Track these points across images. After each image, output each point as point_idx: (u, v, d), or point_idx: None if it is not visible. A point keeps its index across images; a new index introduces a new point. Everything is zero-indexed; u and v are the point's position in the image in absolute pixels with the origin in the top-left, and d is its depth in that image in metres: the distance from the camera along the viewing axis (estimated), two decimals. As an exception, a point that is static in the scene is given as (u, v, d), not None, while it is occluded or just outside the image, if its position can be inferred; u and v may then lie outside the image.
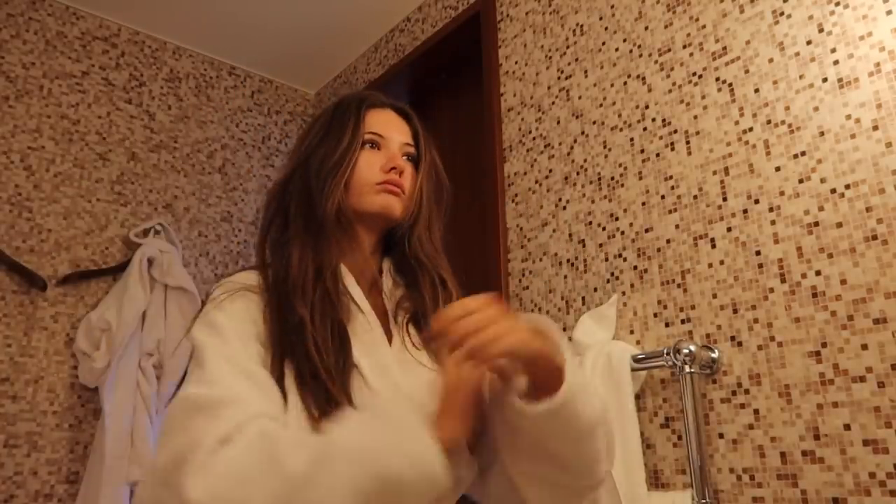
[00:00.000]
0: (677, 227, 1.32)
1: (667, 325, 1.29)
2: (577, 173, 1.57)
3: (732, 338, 1.19)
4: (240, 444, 0.63)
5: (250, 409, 0.68)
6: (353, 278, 0.90)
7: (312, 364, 0.77)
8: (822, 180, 1.12)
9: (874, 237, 1.04)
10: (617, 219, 1.45)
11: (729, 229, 1.23)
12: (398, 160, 0.93)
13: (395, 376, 0.82)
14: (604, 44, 1.58)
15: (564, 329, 1.50)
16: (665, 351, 1.19)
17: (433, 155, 1.00)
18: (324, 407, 0.75)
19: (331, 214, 0.88)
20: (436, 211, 0.99)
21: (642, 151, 1.43)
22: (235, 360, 0.74)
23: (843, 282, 1.06)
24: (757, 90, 1.25)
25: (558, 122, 1.65)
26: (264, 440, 0.64)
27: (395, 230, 0.96)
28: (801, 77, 1.19)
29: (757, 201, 1.20)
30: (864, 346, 1.02)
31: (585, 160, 1.55)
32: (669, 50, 1.42)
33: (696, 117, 1.34)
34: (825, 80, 1.16)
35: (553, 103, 1.68)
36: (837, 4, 1.17)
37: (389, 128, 0.97)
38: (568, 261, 1.53)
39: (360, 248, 0.93)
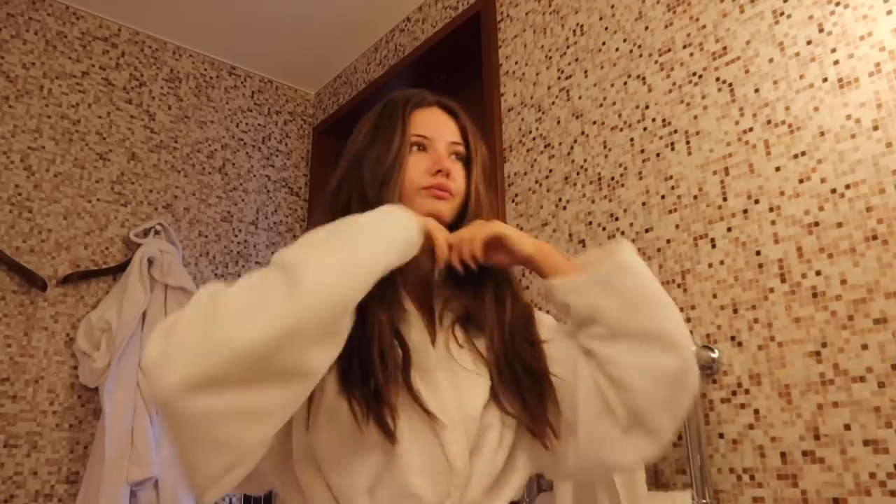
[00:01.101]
0: (677, 227, 1.32)
1: (667, 325, 1.29)
2: (578, 173, 1.57)
3: (732, 338, 1.19)
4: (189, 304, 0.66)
5: None
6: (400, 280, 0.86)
7: (369, 366, 0.76)
8: (823, 180, 1.12)
9: (874, 237, 1.04)
10: (617, 219, 1.45)
11: (729, 229, 1.23)
12: (444, 162, 0.90)
13: (435, 377, 0.82)
14: (604, 44, 1.58)
15: (564, 329, 1.50)
16: (665, 351, 1.19)
17: (484, 151, 0.98)
18: (372, 407, 0.75)
19: None
20: (489, 206, 0.97)
21: (642, 151, 1.43)
22: None
23: (844, 282, 1.06)
24: (757, 90, 1.25)
25: (558, 122, 1.65)
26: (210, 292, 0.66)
27: (455, 228, 0.92)
28: (801, 77, 1.19)
29: (757, 201, 1.20)
30: (865, 346, 1.02)
31: (585, 160, 1.55)
32: (669, 50, 1.42)
33: (696, 117, 1.34)
34: (825, 80, 1.16)
35: (553, 103, 1.68)
36: (837, 4, 1.17)
37: (436, 127, 0.94)
38: (568, 261, 1.53)
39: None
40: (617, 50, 1.54)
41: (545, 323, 0.96)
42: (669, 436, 0.84)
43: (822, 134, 1.14)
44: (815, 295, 1.10)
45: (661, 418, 0.82)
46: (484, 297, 0.91)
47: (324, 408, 0.76)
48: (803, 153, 1.16)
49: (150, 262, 2.06)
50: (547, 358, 0.89)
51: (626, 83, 1.50)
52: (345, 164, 0.94)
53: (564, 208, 1.58)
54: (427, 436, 0.79)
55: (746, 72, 1.27)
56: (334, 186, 0.93)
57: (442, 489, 0.78)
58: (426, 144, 0.92)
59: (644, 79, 1.46)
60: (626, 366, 0.82)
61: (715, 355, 1.19)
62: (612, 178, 1.48)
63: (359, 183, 0.89)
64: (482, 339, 0.89)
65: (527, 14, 1.83)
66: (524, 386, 0.85)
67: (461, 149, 0.95)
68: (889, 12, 1.10)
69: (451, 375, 0.84)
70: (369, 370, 0.76)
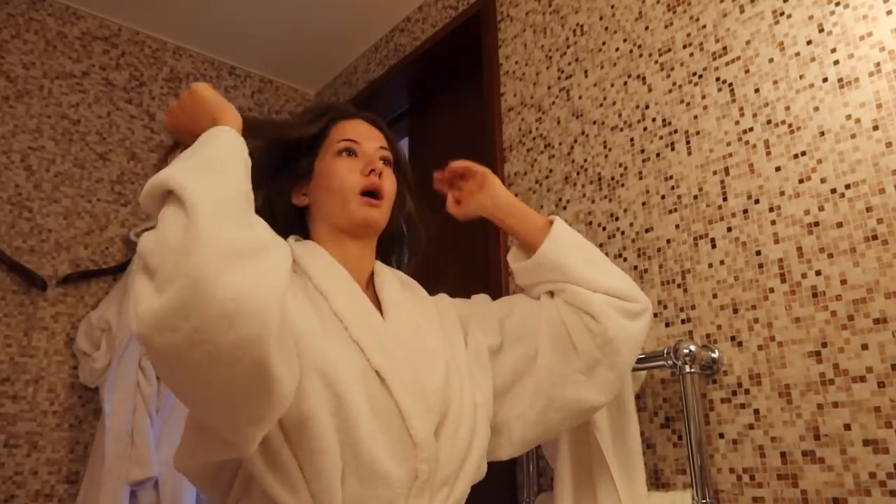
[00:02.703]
0: (677, 227, 1.32)
1: (667, 325, 1.29)
2: (578, 173, 1.57)
3: (732, 338, 1.19)
4: None
5: None
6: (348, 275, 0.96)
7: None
8: (823, 180, 1.12)
9: (874, 237, 1.04)
10: (617, 219, 1.45)
11: (729, 229, 1.23)
12: (376, 163, 0.99)
13: (380, 326, 0.91)
14: (604, 44, 1.58)
15: (564, 329, 1.50)
16: (665, 351, 1.19)
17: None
18: None
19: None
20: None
21: (642, 151, 1.43)
22: None
23: (844, 282, 1.06)
24: (757, 90, 1.25)
25: (558, 122, 1.65)
26: None
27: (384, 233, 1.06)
28: (801, 77, 1.19)
29: (757, 201, 1.20)
30: (865, 346, 1.02)
31: (585, 160, 1.55)
32: (669, 50, 1.42)
33: (696, 117, 1.34)
34: (825, 80, 1.16)
35: (553, 103, 1.68)
36: (837, 4, 1.17)
37: (363, 132, 1.02)
38: (568, 261, 1.53)
39: (351, 251, 1.00)
40: (617, 50, 1.54)
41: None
42: (629, 368, 1.00)
43: (822, 134, 1.14)
44: (815, 295, 1.10)
45: (630, 355, 0.96)
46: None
47: None
48: (803, 153, 1.16)
49: (151, 262, 2.05)
50: (509, 306, 1.06)
51: (626, 83, 1.50)
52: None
53: (564, 208, 1.58)
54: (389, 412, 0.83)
55: (746, 72, 1.27)
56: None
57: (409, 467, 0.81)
58: (355, 149, 1.00)
59: (644, 79, 1.46)
60: (601, 307, 0.95)
61: (715, 355, 1.19)
62: (612, 178, 1.48)
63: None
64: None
65: (527, 14, 1.83)
66: None
67: (388, 154, 1.03)
68: (889, 12, 1.10)
69: (400, 323, 0.94)
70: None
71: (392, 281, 1.01)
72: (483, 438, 0.92)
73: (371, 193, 0.97)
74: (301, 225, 1.04)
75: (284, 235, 0.91)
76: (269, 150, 1.01)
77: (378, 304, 0.96)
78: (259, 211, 0.77)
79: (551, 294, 1.02)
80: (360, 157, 1.00)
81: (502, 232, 1.72)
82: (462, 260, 1.97)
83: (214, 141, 0.77)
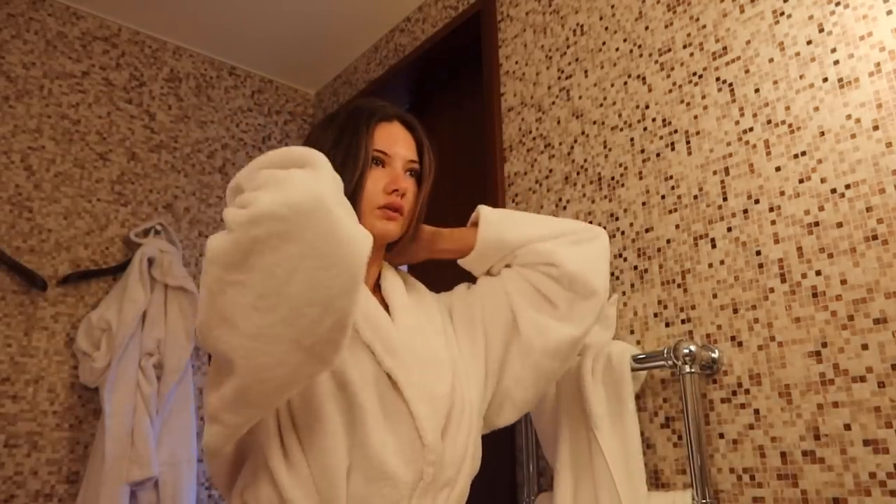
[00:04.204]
0: (677, 227, 1.32)
1: (667, 325, 1.29)
2: (578, 173, 1.57)
3: (733, 338, 1.19)
4: None
5: None
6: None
7: None
8: (823, 180, 1.12)
9: (874, 237, 1.04)
10: (617, 219, 1.45)
11: (729, 229, 1.23)
12: (401, 182, 0.97)
13: (390, 329, 0.92)
14: (604, 44, 1.58)
15: (564, 329, 1.50)
16: (665, 351, 1.19)
17: (434, 166, 1.06)
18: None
19: None
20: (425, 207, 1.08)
21: (642, 151, 1.43)
22: None
23: (844, 282, 1.06)
24: (757, 90, 1.25)
25: (558, 122, 1.65)
26: None
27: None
28: (801, 77, 1.19)
29: (757, 201, 1.20)
30: (865, 346, 1.02)
31: (586, 160, 1.55)
32: (670, 50, 1.42)
33: (696, 117, 1.34)
34: (825, 79, 1.16)
35: (553, 103, 1.68)
36: (837, 4, 1.17)
37: (396, 143, 1.00)
38: (568, 261, 1.53)
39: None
40: (617, 50, 1.54)
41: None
42: (606, 291, 1.04)
43: (822, 134, 1.14)
44: (815, 295, 1.09)
45: (596, 275, 1.02)
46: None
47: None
48: (803, 153, 1.16)
49: (151, 262, 2.06)
50: (480, 296, 1.08)
51: (626, 83, 1.50)
52: None
53: (564, 208, 1.58)
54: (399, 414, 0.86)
55: (746, 72, 1.27)
56: None
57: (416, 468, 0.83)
58: (385, 161, 0.99)
59: (644, 79, 1.46)
60: (550, 249, 1.02)
61: (715, 355, 1.19)
62: (612, 178, 1.48)
63: None
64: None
65: (527, 14, 1.83)
66: None
67: (416, 166, 1.02)
68: (889, 12, 1.10)
69: (407, 326, 0.95)
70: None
71: (398, 284, 1.03)
72: (477, 434, 0.97)
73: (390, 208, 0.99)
74: None
75: None
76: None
77: (385, 306, 0.99)
78: None
79: (508, 266, 1.09)
80: (386, 170, 0.99)
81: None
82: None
83: None
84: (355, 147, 0.96)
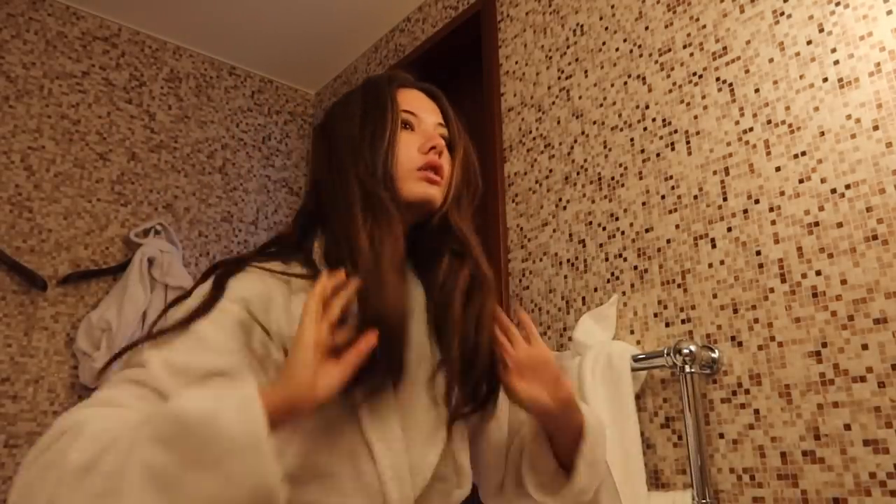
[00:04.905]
0: (677, 227, 1.32)
1: (667, 325, 1.29)
2: (578, 173, 1.57)
3: (733, 338, 1.19)
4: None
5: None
6: None
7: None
8: (823, 180, 1.12)
9: (874, 237, 1.04)
10: (617, 219, 1.45)
11: (729, 229, 1.23)
12: (436, 139, 0.87)
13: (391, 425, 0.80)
14: (604, 44, 1.58)
15: (565, 329, 1.50)
16: (665, 351, 1.19)
17: (466, 137, 0.95)
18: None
19: (398, 200, 0.83)
20: (467, 196, 0.92)
21: (642, 151, 1.43)
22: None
23: (844, 282, 1.06)
24: (757, 90, 1.25)
25: (558, 122, 1.65)
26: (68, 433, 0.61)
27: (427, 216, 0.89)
28: (801, 77, 1.19)
29: (757, 201, 1.20)
30: (865, 346, 1.02)
31: (586, 160, 1.55)
32: (670, 50, 1.42)
33: (696, 117, 1.34)
34: (825, 79, 1.16)
35: (553, 103, 1.68)
36: (838, 4, 1.17)
37: (421, 107, 0.91)
38: (568, 261, 1.53)
39: (399, 237, 0.85)
40: (617, 50, 1.54)
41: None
42: None
43: (822, 134, 1.14)
44: (815, 295, 1.09)
45: None
46: (455, 282, 0.87)
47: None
48: (803, 153, 1.16)
49: (151, 262, 2.06)
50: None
51: (626, 83, 1.50)
52: (334, 145, 0.89)
53: (564, 208, 1.58)
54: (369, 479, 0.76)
55: (746, 72, 1.27)
56: (327, 167, 0.88)
57: None
58: (413, 123, 0.89)
59: (644, 79, 1.46)
60: None
61: (715, 355, 1.19)
62: (612, 178, 1.48)
63: (360, 163, 0.84)
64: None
65: (527, 14, 1.83)
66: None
67: (445, 131, 0.92)
68: (889, 12, 1.10)
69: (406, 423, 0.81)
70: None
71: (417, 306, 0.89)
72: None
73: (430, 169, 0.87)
74: None
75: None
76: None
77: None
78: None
79: None
80: (417, 133, 0.89)
81: (503, 234, 1.72)
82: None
83: None
84: (381, 113, 0.86)
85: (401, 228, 0.81)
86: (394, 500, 0.75)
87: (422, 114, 0.90)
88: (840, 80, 1.14)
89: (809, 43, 1.19)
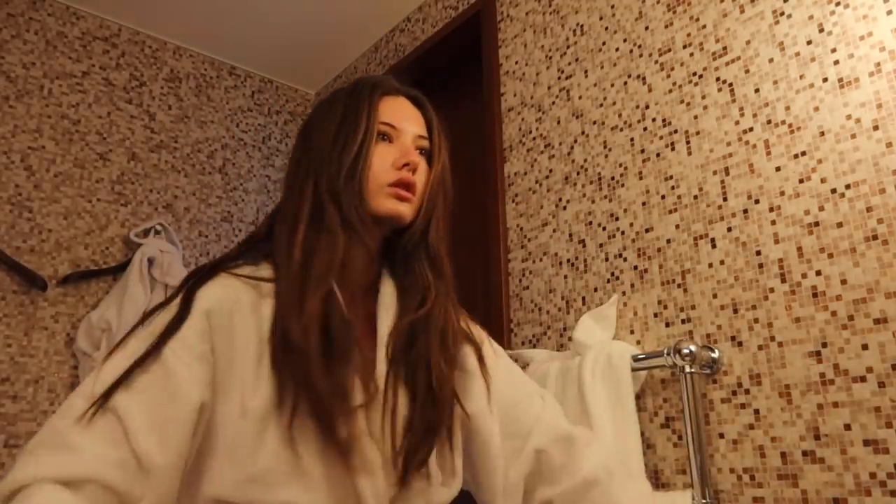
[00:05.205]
0: (677, 227, 1.32)
1: (667, 325, 1.29)
2: (578, 173, 1.57)
3: (733, 338, 1.19)
4: None
5: (78, 466, 0.66)
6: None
7: (314, 395, 0.74)
8: (823, 180, 1.12)
9: (874, 237, 1.04)
10: (617, 219, 1.45)
11: (729, 229, 1.23)
12: (411, 155, 0.87)
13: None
14: (604, 44, 1.58)
15: (565, 329, 1.50)
16: (665, 351, 1.19)
17: (446, 149, 0.94)
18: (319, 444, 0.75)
19: (352, 215, 0.83)
20: (443, 211, 0.92)
21: (642, 151, 1.43)
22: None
23: (844, 282, 1.06)
24: (757, 90, 1.25)
25: (558, 122, 1.65)
26: None
27: (402, 229, 0.90)
28: (801, 77, 1.19)
29: (757, 201, 1.20)
30: (865, 346, 1.02)
31: (586, 160, 1.55)
32: (670, 50, 1.42)
33: (696, 117, 1.34)
34: (825, 79, 1.16)
35: (553, 103, 1.68)
36: (838, 4, 1.17)
37: (403, 118, 0.90)
38: (568, 261, 1.53)
39: (367, 250, 0.88)
40: (617, 50, 1.54)
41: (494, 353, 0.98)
42: None
43: (822, 134, 1.14)
44: (815, 295, 1.09)
45: None
46: (420, 303, 0.87)
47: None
48: (803, 153, 1.16)
49: (151, 262, 2.06)
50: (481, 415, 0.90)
51: (626, 83, 1.50)
52: (308, 146, 0.89)
53: (564, 208, 1.58)
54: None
55: (746, 72, 1.27)
56: (295, 170, 0.89)
57: None
58: (393, 135, 0.89)
59: (644, 79, 1.46)
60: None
61: (715, 355, 1.19)
62: (612, 178, 1.48)
63: (324, 172, 0.85)
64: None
65: (527, 14, 1.83)
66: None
67: (426, 143, 0.92)
68: (889, 12, 1.10)
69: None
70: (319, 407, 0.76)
71: (388, 319, 0.89)
72: None
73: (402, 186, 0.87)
74: None
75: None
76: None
77: (373, 316, 0.89)
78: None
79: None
80: (395, 145, 0.89)
81: (502, 234, 1.72)
82: (460, 262, 1.96)
83: None
84: (357, 123, 0.86)
85: (344, 245, 0.82)
86: (367, 496, 0.75)
87: (402, 125, 0.90)
88: (840, 80, 1.14)
89: (809, 43, 1.19)
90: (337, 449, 0.75)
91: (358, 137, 0.85)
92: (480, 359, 0.92)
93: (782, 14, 1.24)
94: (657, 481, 1.24)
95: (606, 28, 1.58)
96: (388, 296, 0.89)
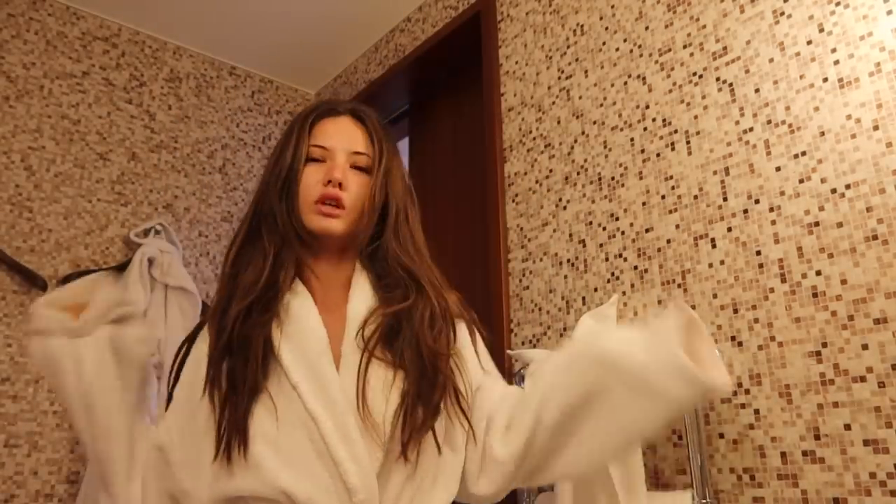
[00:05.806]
0: (677, 227, 1.32)
1: (667, 325, 1.29)
2: (578, 173, 1.57)
3: (733, 338, 1.19)
4: None
5: None
6: (308, 294, 0.91)
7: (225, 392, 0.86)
8: (823, 180, 1.12)
9: (874, 237, 1.04)
10: (617, 219, 1.45)
11: (729, 229, 1.23)
12: (335, 172, 0.92)
13: (334, 393, 0.83)
14: (604, 44, 1.58)
15: (565, 329, 1.50)
16: (665, 351, 1.19)
17: (390, 158, 0.97)
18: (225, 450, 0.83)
19: (289, 232, 0.92)
20: (404, 214, 0.96)
21: (642, 151, 1.43)
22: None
23: (844, 282, 1.06)
24: (757, 90, 1.25)
25: (558, 122, 1.65)
26: None
27: (371, 236, 0.96)
28: (801, 77, 1.19)
29: (757, 201, 1.20)
30: (865, 346, 1.02)
31: (586, 160, 1.55)
32: (670, 50, 1.42)
33: (696, 117, 1.34)
34: (825, 79, 1.16)
35: (553, 103, 1.68)
36: (838, 4, 1.17)
37: (337, 137, 0.95)
38: (568, 261, 1.53)
39: (324, 259, 0.95)
40: (617, 50, 1.54)
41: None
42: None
43: (822, 134, 1.14)
44: (815, 295, 1.10)
45: None
46: (398, 304, 0.92)
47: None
48: (803, 153, 1.16)
49: (151, 262, 2.06)
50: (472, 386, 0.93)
51: (626, 83, 1.50)
52: (264, 173, 0.99)
53: (564, 208, 1.58)
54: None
55: (747, 72, 1.27)
56: (256, 193, 0.99)
57: None
58: (323, 156, 0.94)
59: (644, 79, 1.46)
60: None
61: (715, 355, 1.19)
62: (613, 178, 1.48)
63: (264, 196, 0.95)
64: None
65: (527, 14, 1.83)
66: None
67: (364, 159, 0.96)
68: (889, 12, 1.10)
69: (352, 383, 0.85)
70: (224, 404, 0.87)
71: (367, 293, 0.93)
72: None
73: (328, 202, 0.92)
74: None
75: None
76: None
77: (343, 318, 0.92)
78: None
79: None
80: (325, 164, 0.94)
81: (503, 234, 1.72)
82: (460, 262, 1.97)
83: None
84: (287, 149, 0.94)
85: (275, 259, 0.92)
86: (352, 477, 0.78)
87: (332, 144, 0.95)
88: (840, 80, 1.14)
89: (809, 43, 1.19)
90: (314, 422, 0.82)
91: (288, 161, 0.93)
92: (472, 333, 0.97)
93: (782, 14, 1.24)
94: (657, 481, 1.24)
95: (606, 28, 1.58)
96: (359, 287, 0.94)
